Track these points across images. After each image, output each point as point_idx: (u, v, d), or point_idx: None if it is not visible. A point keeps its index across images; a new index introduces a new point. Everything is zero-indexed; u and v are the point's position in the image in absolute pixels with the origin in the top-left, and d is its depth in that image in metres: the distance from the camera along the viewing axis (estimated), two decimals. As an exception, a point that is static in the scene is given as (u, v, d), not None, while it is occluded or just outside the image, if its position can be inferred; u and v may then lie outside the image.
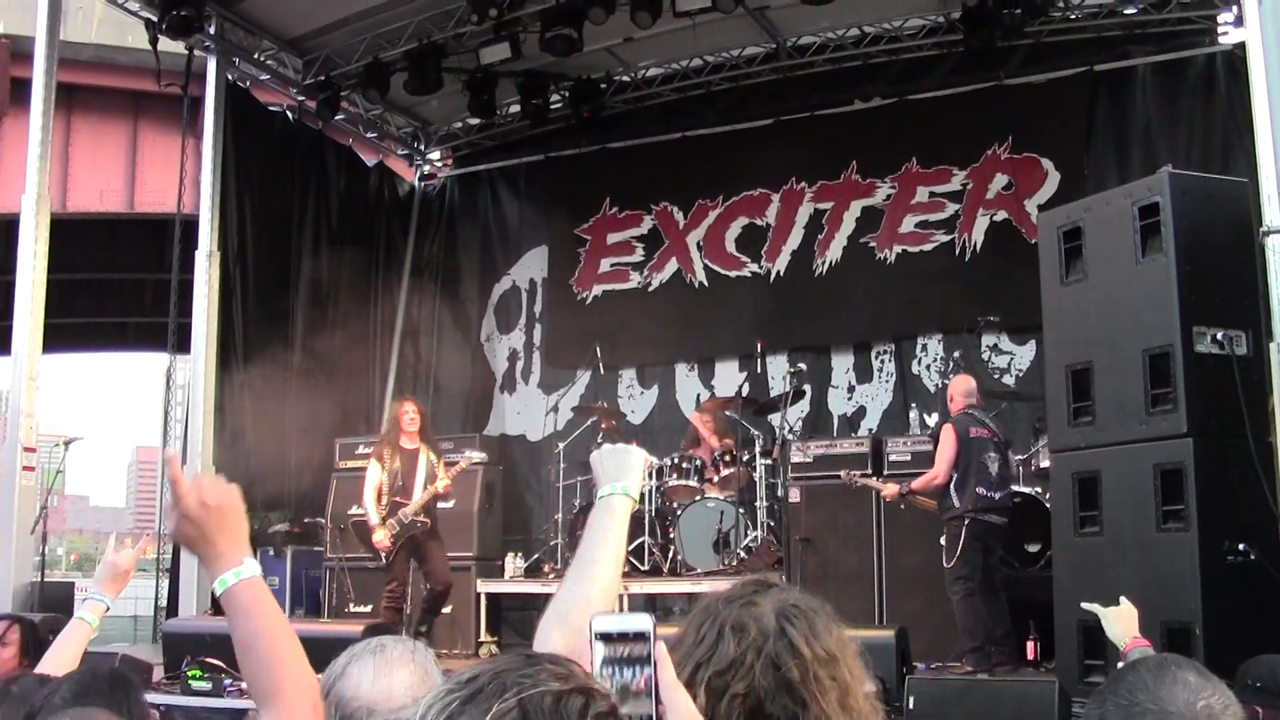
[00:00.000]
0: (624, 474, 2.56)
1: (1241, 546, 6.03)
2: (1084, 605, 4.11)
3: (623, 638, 1.78)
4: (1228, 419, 6.32)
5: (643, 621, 1.79)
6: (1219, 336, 6.34)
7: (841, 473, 9.20)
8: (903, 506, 8.76)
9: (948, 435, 8.29)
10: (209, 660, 7.50)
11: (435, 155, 14.23)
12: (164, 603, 11.25)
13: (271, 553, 11.02)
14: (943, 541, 8.22)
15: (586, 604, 2.33)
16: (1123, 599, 3.76)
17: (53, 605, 9.10)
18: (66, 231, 12.74)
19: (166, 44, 10.80)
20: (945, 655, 8.33)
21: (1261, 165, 6.65)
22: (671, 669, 1.79)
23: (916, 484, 8.48)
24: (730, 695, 1.91)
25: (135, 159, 16.54)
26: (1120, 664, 3.54)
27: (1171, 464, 6.37)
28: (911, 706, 6.18)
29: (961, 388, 8.64)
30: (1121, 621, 3.70)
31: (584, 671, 1.34)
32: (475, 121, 13.33)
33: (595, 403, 11.85)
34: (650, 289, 12.89)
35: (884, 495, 8.90)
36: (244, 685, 7.14)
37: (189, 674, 7.51)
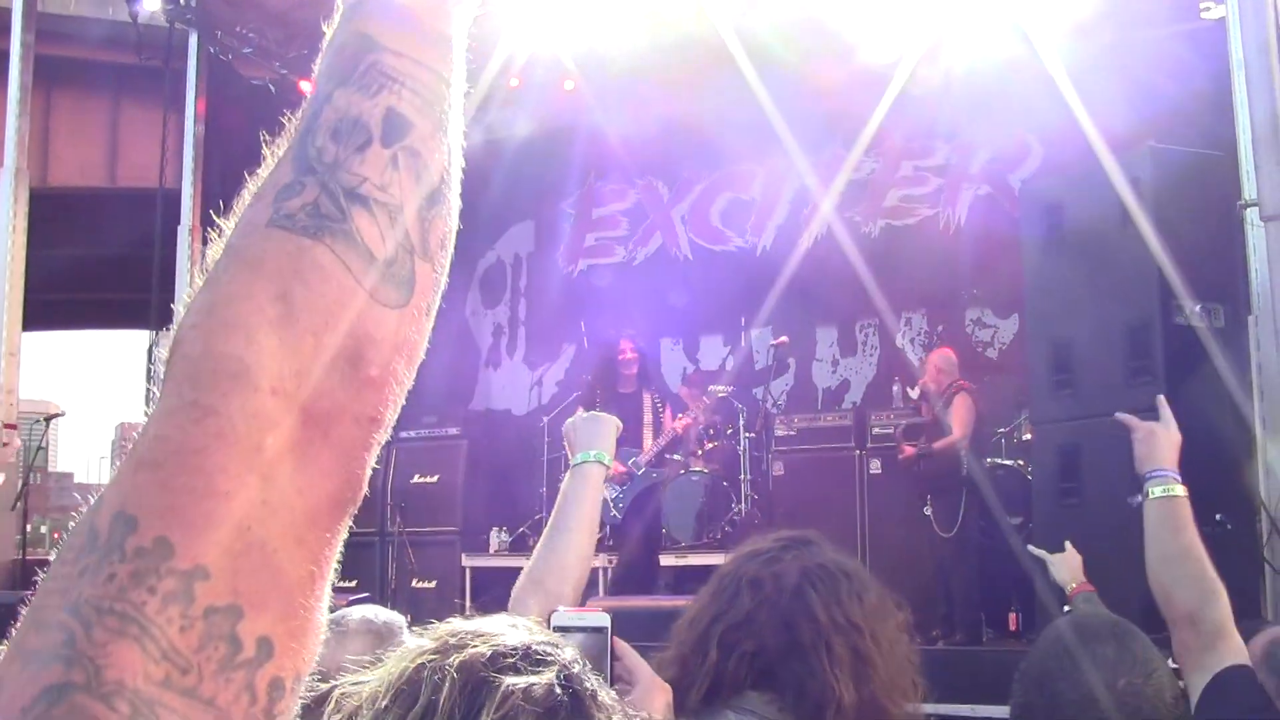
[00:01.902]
0: (596, 441, 2.59)
1: (1219, 517, 6.08)
2: (1030, 549, 4.13)
3: (581, 631, 1.81)
4: (1206, 392, 6.36)
5: (600, 619, 1.82)
6: (1198, 310, 6.38)
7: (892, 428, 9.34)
8: (916, 469, 8.80)
9: (966, 401, 8.38)
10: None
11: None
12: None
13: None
14: (929, 513, 8.28)
15: (561, 570, 2.36)
16: (1068, 544, 3.78)
17: (36, 584, 9.10)
18: (47, 207, 12.67)
19: (147, 16, 10.74)
20: (929, 628, 8.38)
21: (1241, 139, 6.67)
22: (636, 657, 1.81)
23: (938, 445, 8.55)
24: (740, 653, 1.92)
25: (117, 133, 16.44)
26: (1065, 608, 3.59)
27: (1150, 436, 6.41)
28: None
29: (946, 361, 8.73)
30: (1067, 566, 3.72)
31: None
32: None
33: (581, 377, 11.86)
34: (635, 263, 12.90)
35: (903, 456, 8.95)
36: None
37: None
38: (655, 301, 12.39)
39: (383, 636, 2.75)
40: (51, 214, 12.65)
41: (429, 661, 1.06)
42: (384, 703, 1.05)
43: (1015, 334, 10.69)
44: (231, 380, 0.71)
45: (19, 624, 0.68)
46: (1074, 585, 3.68)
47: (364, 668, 1.17)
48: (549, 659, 1.07)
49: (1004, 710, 5.96)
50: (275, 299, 0.74)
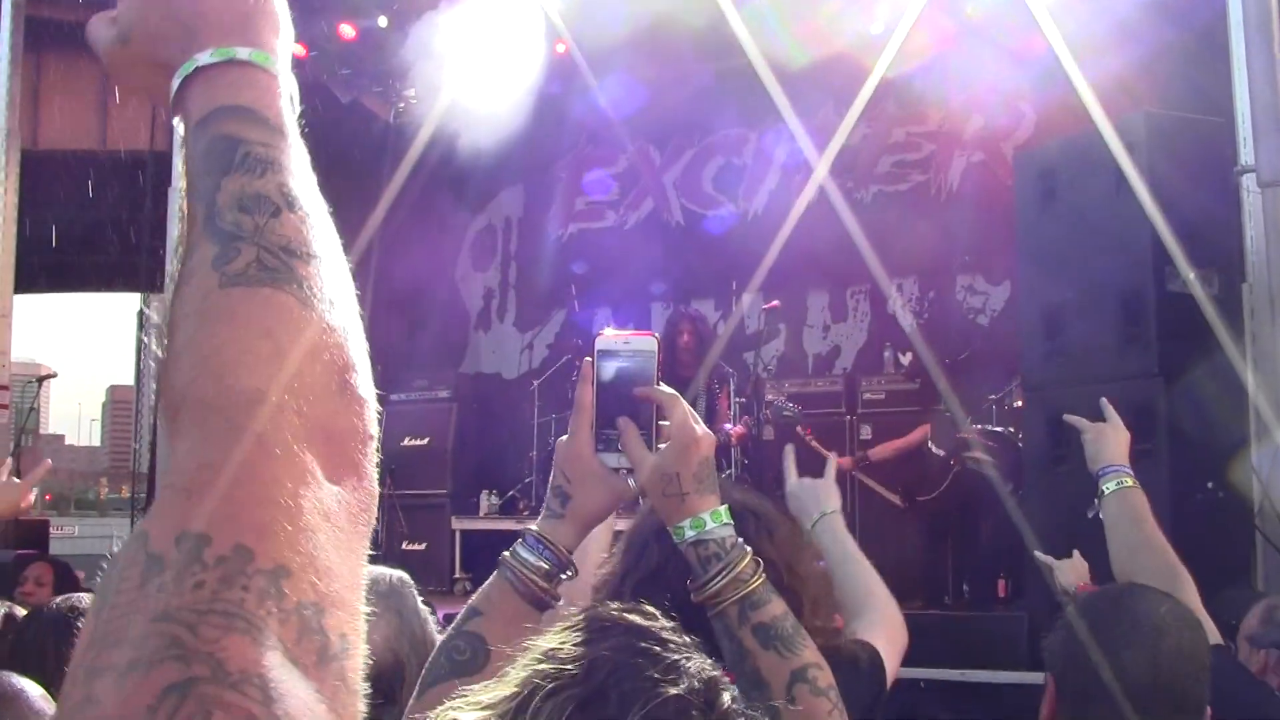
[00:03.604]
0: (824, 502, 2.98)
1: (1210, 485, 6.10)
2: (1036, 555, 4.12)
3: (627, 355, 1.82)
4: (1199, 358, 6.36)
5: (648, 342, 1.83)
6: (1192, 276, 6.37)
7: (798, 428, 9.31)
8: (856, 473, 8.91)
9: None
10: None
11: (411, 92, 14.10)
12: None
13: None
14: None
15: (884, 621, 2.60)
16: (1075, 553, 3.75)
17: (27, 544, 9.12)
18: (38, 169, 12.62)
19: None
20: (918, 594, 8.41)
21: (1238, 105, 6.65)
22: (681, 407, 1.85)
23: (874, 453, 8.65)
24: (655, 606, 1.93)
25: (107, 95, 16.37)
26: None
27: (1142, 402, 6.42)
28: (883, 642, 6.24)
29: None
30: (1074, 572, 3.69)
31: (685, 640, 1.33)
32: (451, 58, 13.21)
33: (571, 340, 11.85)
34: (627, 226, 12.87)
35: (839, 464, 9.02)
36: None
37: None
38: (646, 266, 12.37)
39: (392, 595, 2.75)
40: (42, 176, 12.59)
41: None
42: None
43: (1007, 301, 10.69)
44: (259, 406, 0.79)
45: (82, 651, 0.70)
46: (1078, 585, 3.68)
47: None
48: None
49: (992, 675, 5.99)
50: (262, 337, 0.83)
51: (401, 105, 14.19)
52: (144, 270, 11.42)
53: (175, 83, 1.00)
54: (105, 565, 0.76)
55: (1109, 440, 3.36)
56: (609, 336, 1.85)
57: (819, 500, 2.99)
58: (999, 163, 10.84)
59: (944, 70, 11.19)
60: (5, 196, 9.66)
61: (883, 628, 2.54)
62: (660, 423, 1.83)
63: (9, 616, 3.28)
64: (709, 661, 1.21)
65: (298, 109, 1.04)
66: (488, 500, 10.88)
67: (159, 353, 0.89)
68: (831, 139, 11.69)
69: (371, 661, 0.80)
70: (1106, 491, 3.23)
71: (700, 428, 1.84)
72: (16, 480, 3.49)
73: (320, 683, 0.71)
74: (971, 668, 6.14)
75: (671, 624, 1.27)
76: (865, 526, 9.36)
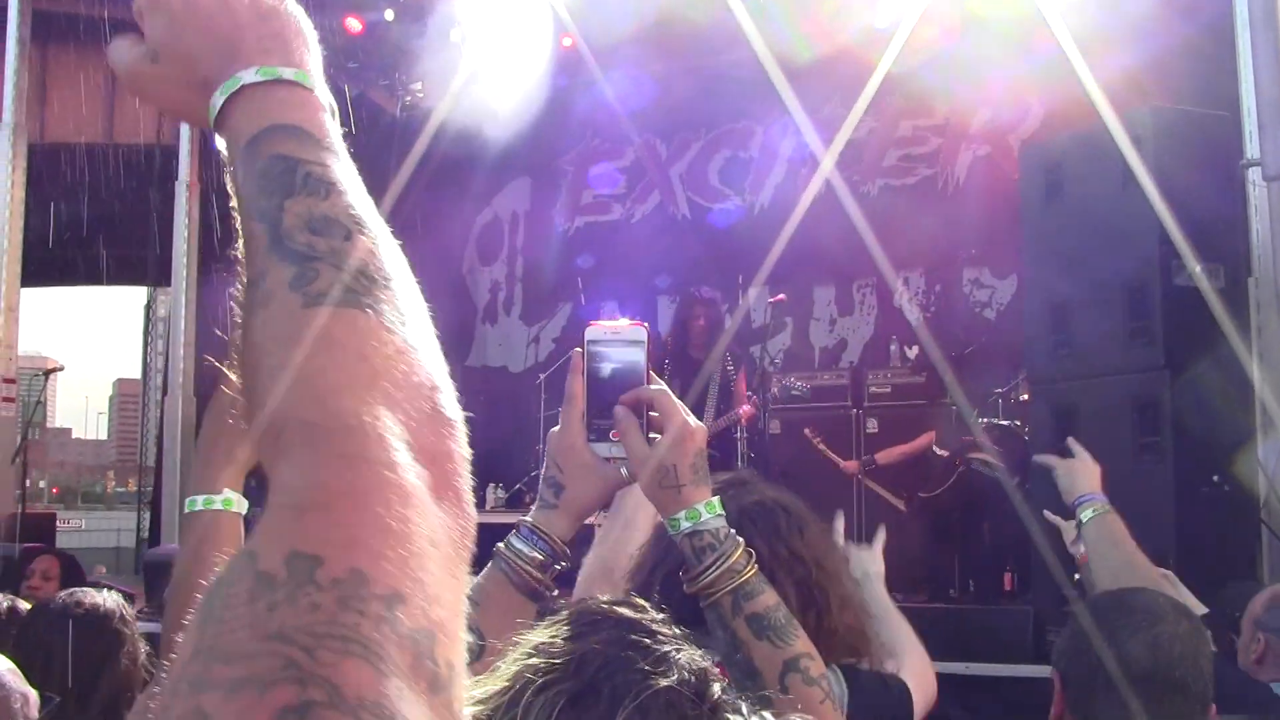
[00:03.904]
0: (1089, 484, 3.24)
1: (1215, 478, 6.10)
2: (1035, 458, 3.98)
3: (617, 344, 1.83)
4: (1205, 352, 6.36)
5: (637, 332, 1.85)
6: (1198, 270, 6.37)
7: (806, 430, 9.33)
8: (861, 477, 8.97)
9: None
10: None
11: (418, 86, 14.10)
12: (145, 534, 11.28)
13: (254, 483, 11.01)
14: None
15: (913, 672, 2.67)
16: (1078, 448, 3.53)
17: (34, 537, 9.15)
18: (45, 162, 12.63)
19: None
20: (924, 588, 8.42)
21: (1244, 98, 6.65)
22: (671, 400, 1.86)
23: (880, 457, 8.70)
24: (680, 597, 1.94)
25: (114, 89, 16.37)
26: (1075, 576, 3.55)
27: (1148, 396, 6.43)
28: (887, 635, 6.24)
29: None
30: (1084, 475, 3.39)
31: (676, 632, 1.34)
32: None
33: (577, 334, 11.84)
34: (633, 220, 12.88)
35: (844, 469, 9.10)
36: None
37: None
38: (652, 259, 12.36)
39: None
40: (49, 169, 12.60)
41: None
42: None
43: (1013, 294, 10.68)
44: (367, 430, 0.79)
45: (185, 663, 0.69)
46: (1080, 496, 3.37)
47: None
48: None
49: (997, 668, 6.00)
50: (359, 360, 0.83)
51: (408, 99, 14.19)
52: (151, 264, 11.43)
53: (218, 100, 1.01)
54: (205, 582, 0.74)
55: (1080, 473, 3.39)
56: (597, 326, 1.87)
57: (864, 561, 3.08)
58: (1005, 156, 10.83)
59: (950, 64, 11.17)
60: (12, 190, 9.68)
61: (911, 676, 2.55)
62: (650, 414, 1.83)
63: (12, 610, 3.30)
64: (699, 653, 1.22)
65: (337, 123, 1.05)
66: (494, 494, 10.90)
67: (233, 375, 0.92)
68: (838, 132, 11.69)
69: None
70: (1084, 520, 3.27)
71: (692, 419, 1.85)
72: None
73: (432, 710, 0.70)
74: (977, 661, 6.15)
75: (661, 616, 1.28)
76: (870, 521, 9.38)
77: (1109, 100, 6.97)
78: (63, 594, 3.23)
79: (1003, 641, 6.20)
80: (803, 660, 1.80)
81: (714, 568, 1.81)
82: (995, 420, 8.89)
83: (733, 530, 1.86)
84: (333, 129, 1.02)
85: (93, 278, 23.90)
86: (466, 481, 0.85)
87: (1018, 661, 6.37)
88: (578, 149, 13.16)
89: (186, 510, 2.04)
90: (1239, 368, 6.33)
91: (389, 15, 11.61)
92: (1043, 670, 3.02)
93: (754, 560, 1.85)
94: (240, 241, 0.95)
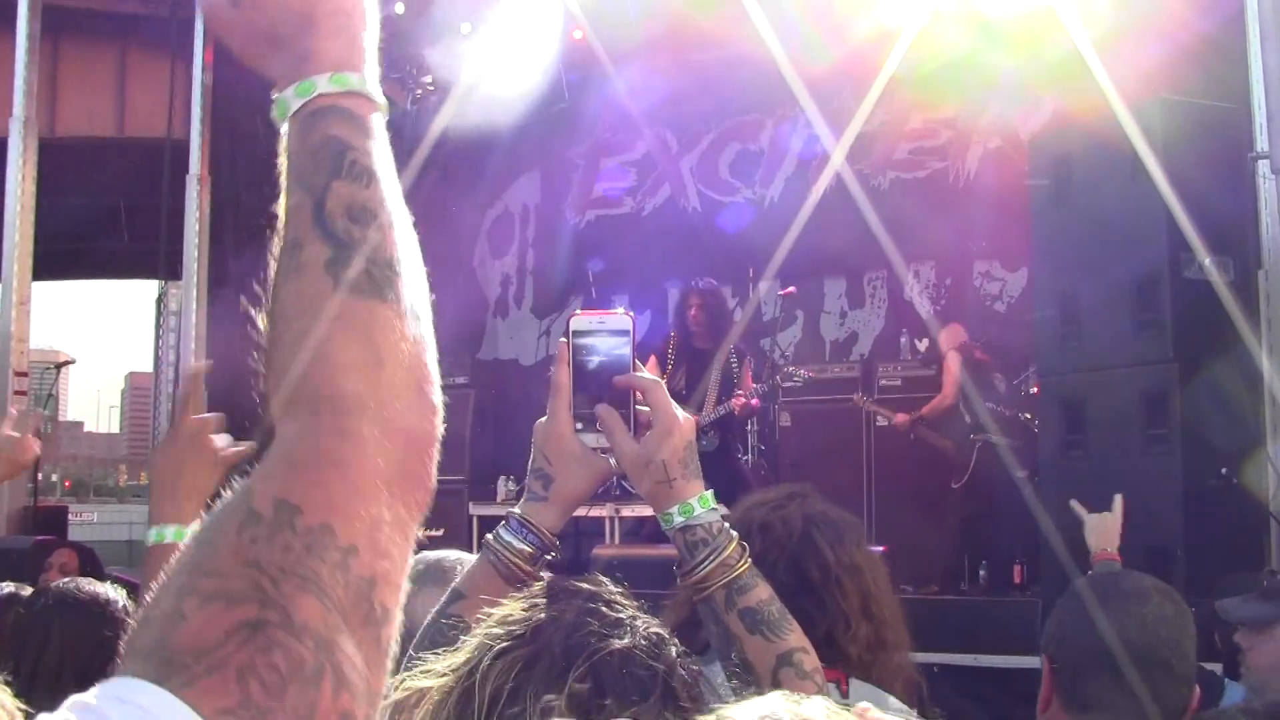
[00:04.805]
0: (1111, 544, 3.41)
1: (1224, 470, 6.10)
2: (1072, 504, 4.14)
3: (602, 334, 1.83)
4: (1213, 345, 6.36)
5: (622, 321, 1.84)
6: (1207, 263, 6.37)
7: (855, 396, 9.36)
8: (912, 437, 8.93)
9: (954, 360, 8.48)
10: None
11: (428, 79, 14.11)
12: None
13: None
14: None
15: None
16: (1117, 500, 3.76)
17: (46, 530, 9.18)
18: (55, 156, 12.67)
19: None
20: (933, 579, 8.43)
21: (1253, 91, 6.64)
22: (659, 391, 1.86)
23: (926, 409, 8.68)
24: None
25: (124, 82, 16.39)
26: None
27: (1156, 388, 6.43)
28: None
29: (951, 334, 8.90)
30: (1104, 530, 3.71)
31: (634, 603, 1.36)
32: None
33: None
34: (644, 213, 12.88)
35: (895, 424, 9.10)
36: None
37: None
38: (663, 252, 12.37)
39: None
40: (59, 163, 12.62)
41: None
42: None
43: (1024, 288, 10.67)
44: (361, 412, 0.95)
45: (176, 571, 0.88)
46: (1098, 552, 3.67)
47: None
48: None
49: (1006, 660, 6.01)
50: (368, 348, 0.98)
51: (419, 92, 14.19)
52: (162, 257, 11.43)
53: (293, 101, 1.11)
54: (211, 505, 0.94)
55: (1108, 530, 3.66)
56: (583, 316, 1.87)
57: None
58: (1016, 149, 10.82)
59: (961, 59, 11.16)
60: (23, 184, 9.71)
61: None
62: (638, 406, 1.84)
63: (13, 597, 3.30)
64: (655, 620, 1.24)
65: (386, 116, 1.15)
66: (505, 486, 10.91)
67: (260, 325, 1.04)
68: (848, 126, 11.68)
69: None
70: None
71: (681, 413, 1.85)
72: (12, 434, 3.47)
73: (360, 641, 0.88)
74: (986, 652, 6.16)
75: (620, 589, 1.30)
76: (882, 514, 9.40)
77: (1119, 94, 6.96)
78: (63, 580, 3.23)
79: (1012, 633, 6.21)
80: (796, 654, 1.81)
81: (707, 562, 1.80)
82: (1004, 409, 8.90)
83: (727, 525, 1.86)
84: (379, 123, 1.12)
85: (104, 271, 23.96)
86: (434, 459, 1.01)
87: (1027, 653, 6.38)
88: (588, 142, 13.16)
89: (154, 541, 2.05)
90: (1248, 360, 6.32)
91: (399, 9, 11.61)
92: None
93: (747, 554, 1.85)
94: (283, 200, 1.07)
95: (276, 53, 1.14)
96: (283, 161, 1.09)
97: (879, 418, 9.54)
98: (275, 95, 1.13)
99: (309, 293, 1.00)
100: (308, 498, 0.90)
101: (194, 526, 2.01)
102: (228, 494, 0.93)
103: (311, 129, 1.09)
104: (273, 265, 1.05)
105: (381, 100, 1.14)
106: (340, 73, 1.11)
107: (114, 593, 3.13)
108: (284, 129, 1.11)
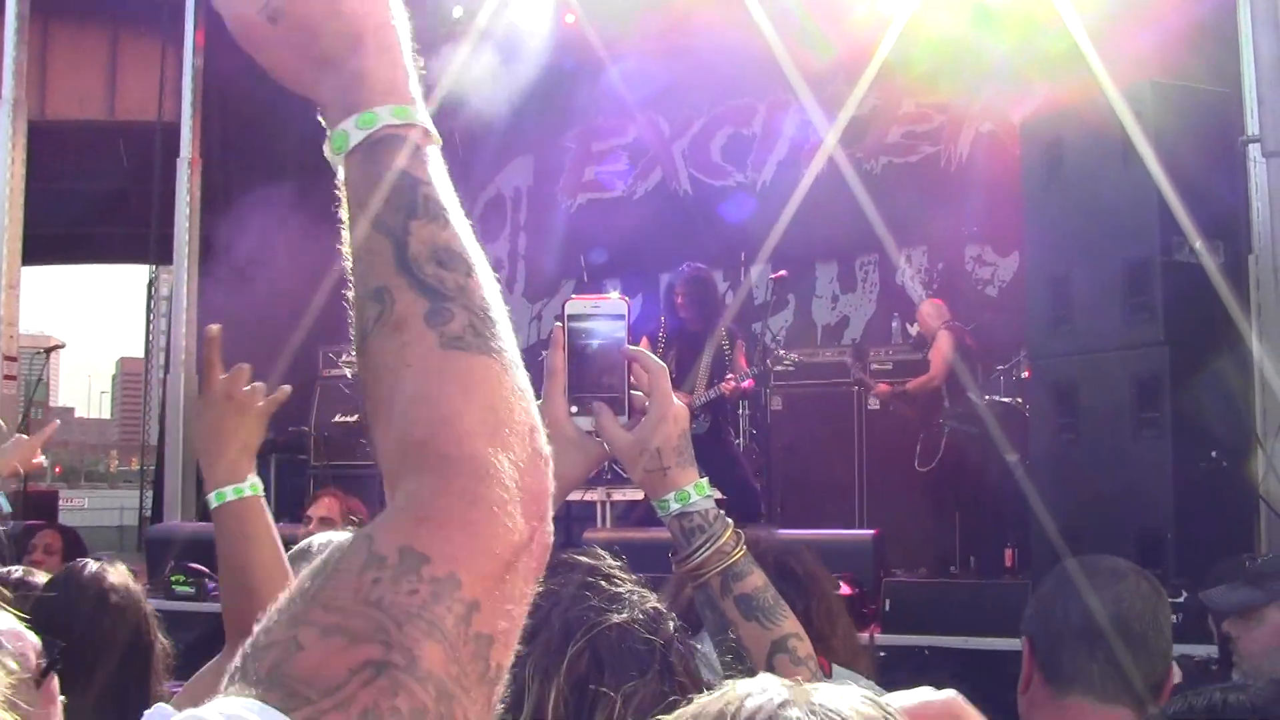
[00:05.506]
0: None
1: (1214, 454, 6.11)
2: None
3: (597, 318, 1.82)
4: (1204, 328, 6.37)
5: (618, 306, 1.84)
6: (1198, 246, 6.37)
7: (847, 357, 9.42)
8: (891, 409, 8.95)
9: (946, 340, 8.47)
10: (191, 565, 7.54)
11: (420, 62, 14.04)
12: (148, 513, 11.29)
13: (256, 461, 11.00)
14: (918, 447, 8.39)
15: None
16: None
17: (37, 515, 9.18)
18: (45, 140, 12.63)
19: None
20: (923, 562, 8.45)
21: (1244, 74, 6.64)
22: (658, 374, 1.86)
23: (912, 384, 8.71)
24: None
25: (115, 65, 16.33)
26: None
27: (1148, 372, 6.44)
28: (888, 609, 6.28)
29: (933, 309, 8.90)
30: None
31: (633, 577, 1.36)
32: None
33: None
34: (636, 197, 12.87)
35: (876, 393, 9.12)
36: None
37: (172, 579, 7.54)
38: (655, 236, 12.36)
39: None
40: (50, 147, 12.60)
41: None
42: None
43: (1015, 272, 10.68)
44: (487, 476, 0.94)
45: (290, 601, 0.88)
46: None
47: None
48: None
49: (996, 642, 6.02)
50: (486, 410, 0.97)
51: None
52: (153, 241, 11.40)
53: (355, 133, 1.06)
54: (321, 548, 0.88)
55: None
56: (578, 300, 1.85)
57: None
58: (1008, 133, 10.81)
59: (954, 41, 11.14)
60: (12, 168, 9.67)
61: None
62: (632, 392, 1.83)
63: (23, 581, 3.30)
64: (653, 595, 1.24)
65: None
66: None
67: (357, 378, 1.06)
68: (841, 110, 11.67)
69: None
70: None
71: (676, 400, 1.85)
72: (25, 437, 3.54)
73: (475, 698, 0.88)
74: (976, 635, 6.17)
75: (619, 564, 1.30)
76: (873, 498, 9.42)
77: (1111, 77, 6.96)
78: (80, 562, 3.23)
79: (1002, 615, 6.21)
80: (790, 640, 1.82)
81: (704, 549, 1.81)
82: (997, 397, 8.91)
83: (722, 511, 1.86)
84: (437, 157, 1.11)
85: (95, 256, 23.91)
86: (550, 512, 0.99)
87: (1017, 636, 6.39)
88: (580, 126, 13.14)
89: (216, 504, 2.12)
90: (1239, 344, 6.33)
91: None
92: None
93: (743, 542, 1.86)
94: (350, 237, 1.06)
95: (320, 73, 1.09)
96: (345, 193, 1.07)
97: (871, 398, 9.56)
98: (332, 128, 1.08)
99: (414, 350, 0.99)
100: (435, 549, 0.89)
101: (252, 480, 2.16)
102: (342, 541, 0.93)
103: (375, 161, 1.06)
104: (357, 313, 1.03)
105: (438, 136, 1.12)
106: (402, 104, 1.08)
107: (127, 573, 3.15)
108: (338, 158, 1.08)
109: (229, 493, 2.11)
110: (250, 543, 2.09)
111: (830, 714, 1.00)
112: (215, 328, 2.20)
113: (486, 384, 0.98)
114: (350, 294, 1.05)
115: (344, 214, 1.07)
